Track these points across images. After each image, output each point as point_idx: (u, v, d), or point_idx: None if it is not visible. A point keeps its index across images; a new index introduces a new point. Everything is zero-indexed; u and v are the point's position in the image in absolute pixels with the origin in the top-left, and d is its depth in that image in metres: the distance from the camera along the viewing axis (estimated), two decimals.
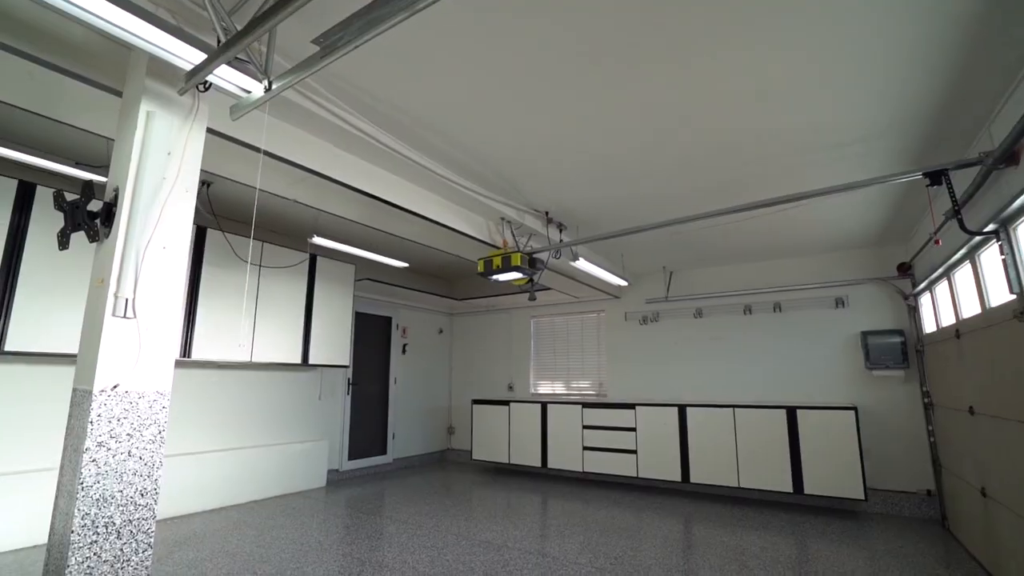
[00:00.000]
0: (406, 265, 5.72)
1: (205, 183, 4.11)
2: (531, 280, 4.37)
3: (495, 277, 4.28)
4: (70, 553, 1.58)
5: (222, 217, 4.73)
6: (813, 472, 4.68)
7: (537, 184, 3.70)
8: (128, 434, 1.72)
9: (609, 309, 6.75)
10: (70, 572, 1.57)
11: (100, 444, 1.66)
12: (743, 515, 4.74)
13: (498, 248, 4.25)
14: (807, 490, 4.68)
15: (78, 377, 1.78)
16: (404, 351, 7.13)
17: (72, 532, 1.59)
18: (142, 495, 1.74)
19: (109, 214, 1.75)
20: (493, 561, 3.51)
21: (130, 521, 1.70)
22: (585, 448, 5.89)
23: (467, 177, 3.58)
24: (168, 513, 4.28)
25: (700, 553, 3.74)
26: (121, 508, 1.69)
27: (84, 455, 1.63)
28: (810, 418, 4.78)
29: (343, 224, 4.89)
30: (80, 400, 1.72)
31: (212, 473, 4.59)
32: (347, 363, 5.58)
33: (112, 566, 1.65)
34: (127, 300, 1.75)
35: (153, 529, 1.75)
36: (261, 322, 4.80)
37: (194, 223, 4.26)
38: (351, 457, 6.17)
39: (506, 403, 6.53)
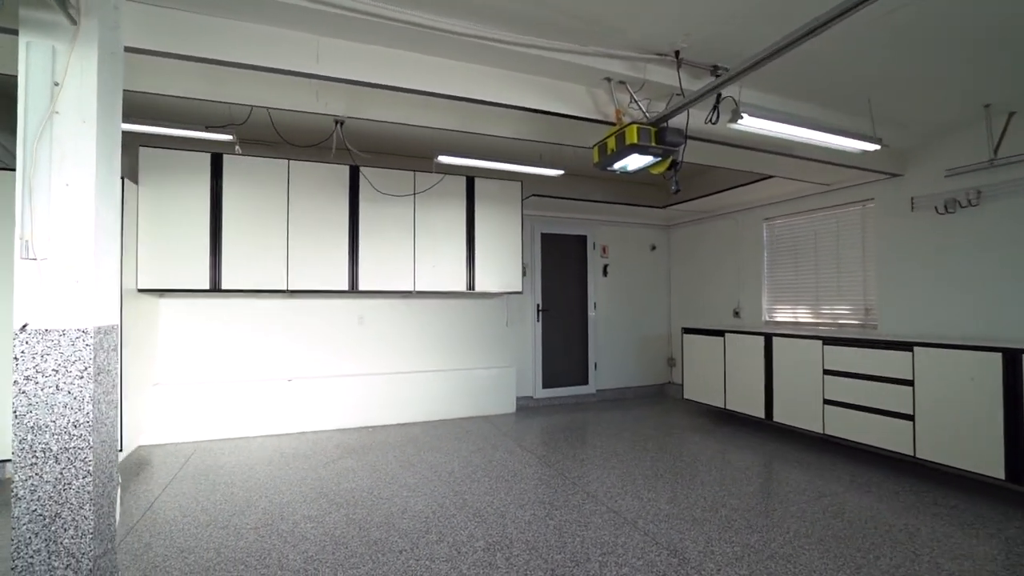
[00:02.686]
0: (560, 172, 4.86)
1: (338, 122, 4.26)
2: (673, 164, 3.00)
3: (616, 167, 3.11)
4: (16, 471, 1.77)
5: (370, 152, 4.91)
6: None
7: (656, 8, 2.35)
8: (54, 370, 1.81)
9: (881, 196, 4.30)
10: (16, 488, 1.76)
11: (27, 378, 1.78)
12: None
13: (612, 124, 3.03)
14: None
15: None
16: (605, 273, 6.35)
17: (12, 454, 1.77)
18: (75, 426, 1.82)
19: None
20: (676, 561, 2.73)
21: (66, 449, 1.82)
22: (827, 402, 4.06)
23: (544, 34, 2.55)
24: (360, 423, 4.98)
25: None
26: (56, 436, 1.80)
27: (14, 387, 1.77)
28: None
29: (458, 138, 4.40)
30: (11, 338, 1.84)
31: (403, 392, 5.10)
32: (519, 289, 5.26)
33: (54, 487, 1.80)
34: (27, 241, 1.78)
35: (90, 457, 1.83)
36: (421, 252, 4.90)
37: (348, 164, 4.60)
38: (545, 385, 5.98)
39: (720, 333, 5.09)
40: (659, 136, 2.81)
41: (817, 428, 4.14)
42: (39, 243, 1.79)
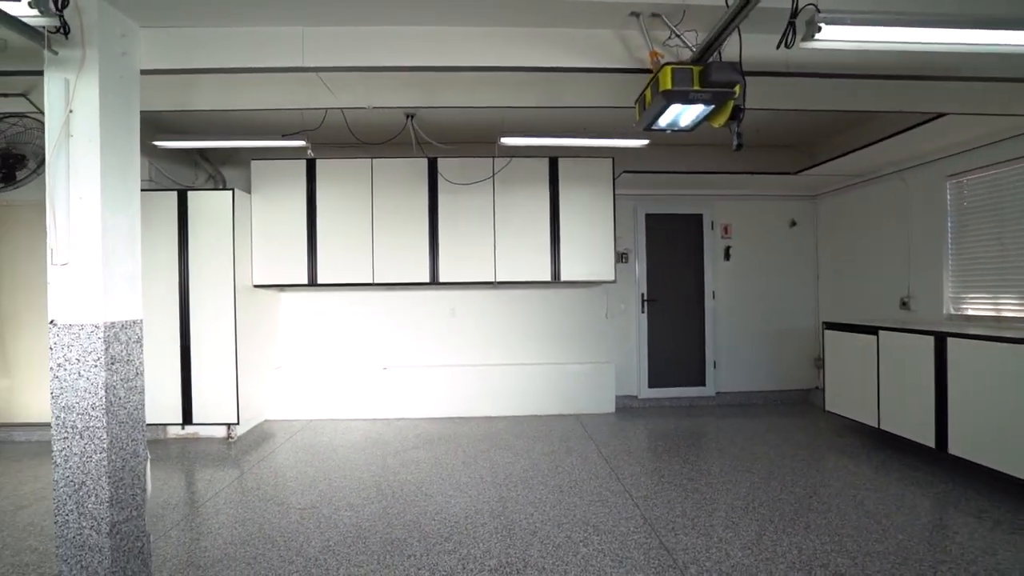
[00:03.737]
0: (645, 143, 4.16)
1: (409, 115, 4.30)
2: (735, 111, 2.30)
3: (662, 124, 2.51)
4: (53, 443, 2.09)
5: (449, 143, 4.85)
6: None
7: None
8: (77, 359, 2.08)
9: None
10: (54, 457, 2.08)
11: (59, 365, 2.08)
12: None
13: (649, 71, 2.43)
14: None
15: None
16: (727, 256, 5.39)
17: (52, 429, 2.10)
18: (93, 408, 2.08)
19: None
20: None
21: (87, 427, 2.08)
22: None
23: None
24: (448, 413, 5.02)
25: None
26: (80, 416, 2.08)
27: (50, 372, 2.09)
28: None
29: (526, 116, 4.05)
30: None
31: (493, 385, 5.01)
32: (612, 278, 4.74)
33: (80, 459, 2.08)
34: (53, 249, 2.08)
35: (104, 436, 2.08)
36: (502, 241, 4.72)
37: (424, 157, 4.63)
38: (652, 384, 5.33)
39: (872, 331, 3.89)
40: (704, 76, 2.16)
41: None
42: (61, 250, 2.08)
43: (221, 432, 4.39)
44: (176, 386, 4.21)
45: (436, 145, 4.70)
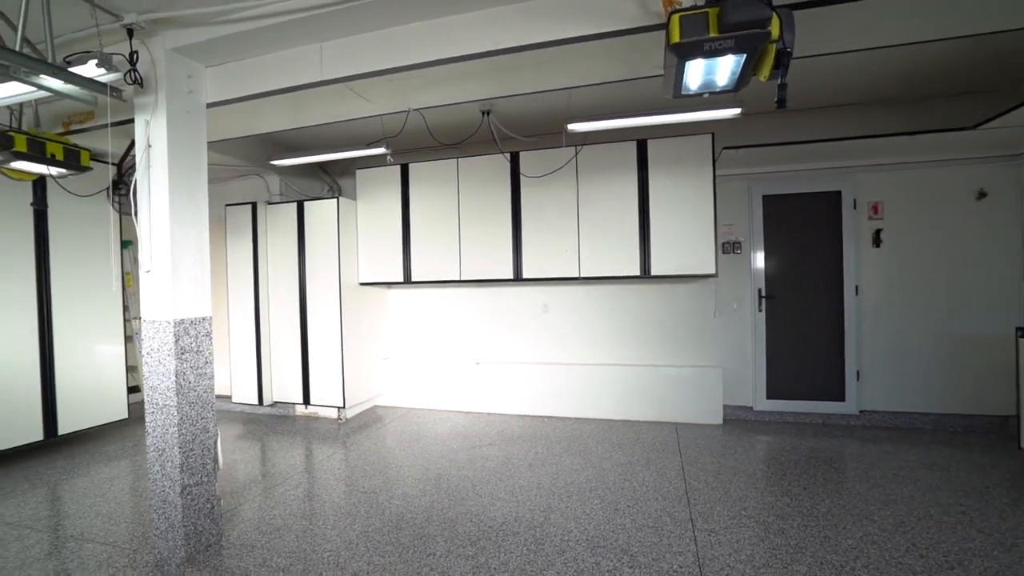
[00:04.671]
0: (736, 112, 3.44)
1: (485, 112, 4.31)
2: (779, 58, 1.81)
3: (693, 88, 2.09)
4: (146, 416, 2.57)
5: (532, 136, 4.70)
6: None
7: None
8: (157, 349, 2.52)
9: None
10: (147, 427, 2.56)
11: (148, 353, 2.55)
12: None
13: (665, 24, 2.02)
14: None
15: None
16: (877, 241, 4.29)
17: (143, 405, 2.58)
18: (167, 389, 2.49)
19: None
20: None
21: (165, 405, 2.51)
22: None
23: None
24: (536, 411, 4.92)
25: None
26: (161, 395, 2.52)
27: (142, 359, 2.57)
28: None
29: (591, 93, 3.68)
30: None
31: (583, 384, 4.79)
32: (712, 271, 4.13)
33: (161, 430, 2.51)
34: (141, 260, 2.54)
35: (174, 413, 2.48)
36: (586, 234, 4.44)
37: (503, 152, 4.59)
38: (772, 395, 4.52)
39: None
40: (723, 18, 1.72)
41: None
42: (145, 260, 2.53)
43: (334, 414, 4.96)
44: (298, 372, 4.89)
45: (519, 139, 4.62)
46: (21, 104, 2.86)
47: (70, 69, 2.15)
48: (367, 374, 5.16)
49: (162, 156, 2.49)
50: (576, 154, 4.39)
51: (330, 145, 4.60)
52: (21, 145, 2.72)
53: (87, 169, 3.03)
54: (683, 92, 2.11)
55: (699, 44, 1.77)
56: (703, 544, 2.55)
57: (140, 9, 2.30)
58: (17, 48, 2.08)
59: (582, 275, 4.44)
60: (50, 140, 2.86)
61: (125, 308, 4.69)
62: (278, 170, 5.10)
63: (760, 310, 4.54)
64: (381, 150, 4.15)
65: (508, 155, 4.58)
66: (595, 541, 2.61)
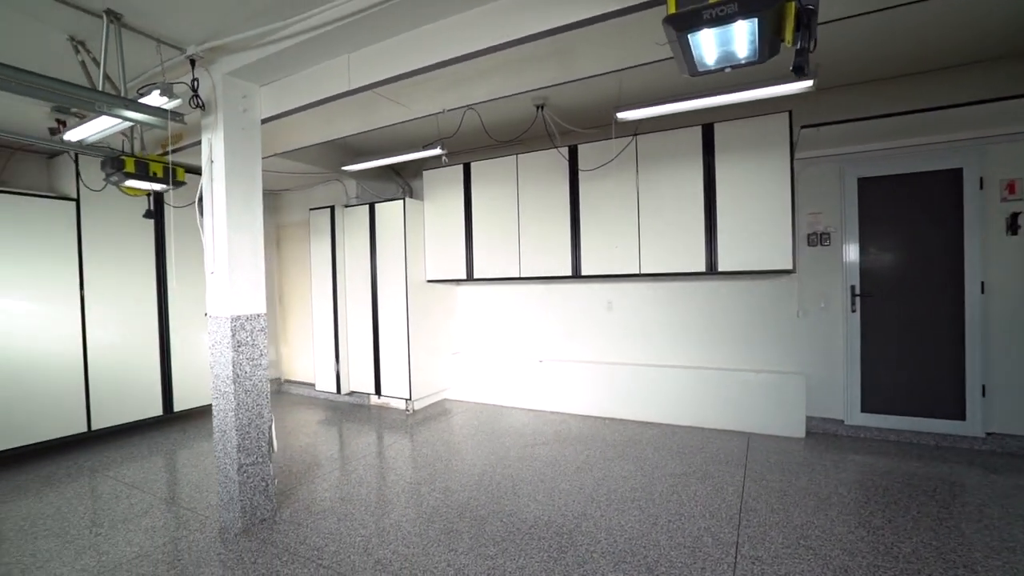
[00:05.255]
0: (807, 85, 2.95)
1: (539, 106, 4.24)
2: (800, 16, 1.55)
3: (705, 64, 1.87)
4: (212, 400, 2.91)
5: (591, 127, 4.51)
6: None
7: None
8: (218, 341, 2.83)
9: None
10: (214, 410, 2.89)
11: (213, 345, 2.87)
12: None
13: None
14: None
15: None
16: (1013, 227, 3.51)
17: (210, 391, 2.91)
18: (227, 378, 2.79)
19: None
20: None
21: (224, 392, 2.80)
22: None
23: None
24: (599, 412, 4.75)
25: None
26: (223, 382, 2.81)
27: (208, 348, 2.91)
28: None
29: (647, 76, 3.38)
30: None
31: (648, 387, 4.54)
32: (788, 266, 3.67)
33: (223, 413, 2.82)
34: (207, 262, 2.86)
35: (231, 398, 2.76)
36: (647, 227, 4.18)
37: (558, 147, 4.47)
38: (869, 409, 3.91)
39: None
40: None
41: None
42: (209, 262, 2.86)
43: (403, 404, 5.23)
44: (370, 364, 5.22)
45: (575, 131, 4.48)
46: (131, 130, 3.37)
47: (140, 100, 2.49)
48: (436, 368, 5.35)
49: (221, 169, 2.78)
50: (634, 142, 4.16)
51: (396, 148, 4.82)
52: (130, 166, 3.19)
53: (182, 184, 3.48)
54: (701, 69, 1.90)
55: (698, 14, 1.58)
56: (742, 572, 2.28)
57: (197, 40, 2.59)
58: (100, 87, 2.45)
59: (643, 271, 4.20)
60: (152, 160, 3.32)
61: None
62: (354, 175, 5.47)
63: (853, 310, 3.95)
64: (437, 151, 4.26)
65: (566, 149, 4.46)
66: (621, 555, 2.46)
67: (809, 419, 4.04)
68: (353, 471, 3.64)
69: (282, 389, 6.37)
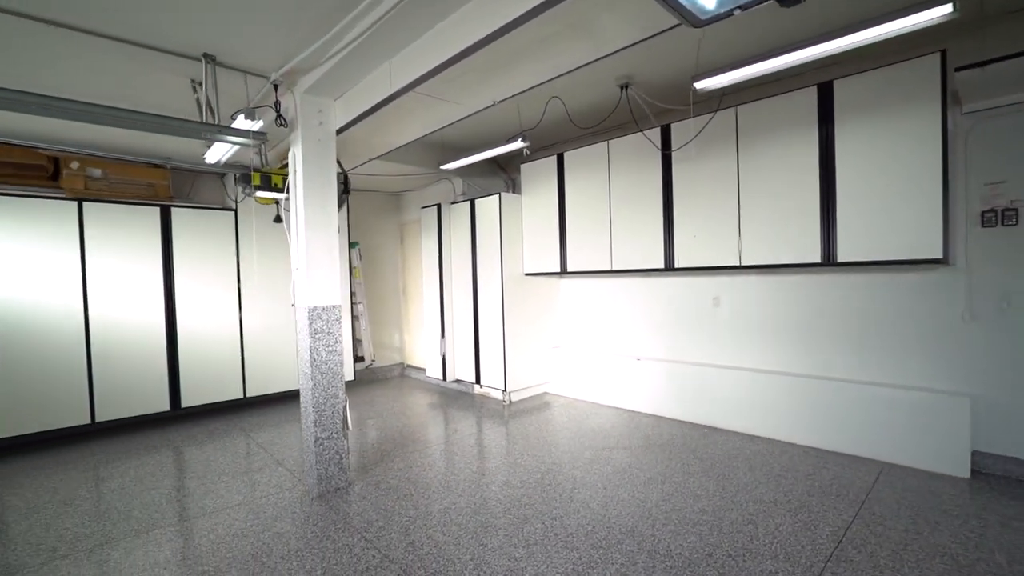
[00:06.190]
0: (946, 11, 2.11)
1: (623, 87, 3.93)
2: None
3: (707, 10, 1.56)
4: (299, 380, 3.34)
5: (684, 105, 3.99)
6: None
7: None
8: (302, 329, 3.23)
9: None
10: (301, 389, 3.33)
11: (298, 332, 3.30)
12: None
13: None
14: None
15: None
16: None
17: (298, 374, 3.35)
18: (307, 363, 3.17)
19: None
20: None
21: (306, 374, 3.19)
22: None
23: None
24: (699, 419, 4.27)
25: None
26: (304, 365, 3.23)
27: (297, 335, 3.34)
28: None
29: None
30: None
31: (761, 395, 3.92)
32: (937, 255, 2.82)
33: (306, 392, 3.23)
34: (292, 258, 3.27)
35: (309, 379, 3.14)
36: (748, 213, 3.60)
37: (645, 129, 4.09)
38: None
39: None
40: None
41: None
42: (294, 259, 3.28)
43: (500, 395, 5.36)
44: (471, 354, 5.45)
45: (663, 106, 4.05)
46: (261, 148, 4.03)
47: (232, 125, 2.95)
48: (535, 361, 5.37)
49: (299, 175, 3.16)
50: (734, 113, 3.60)
51: (491, 143, 4.92)
52: (256, 179, 3.82)
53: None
54: (704, 16, 1.58)
55: None
56: None
57: (275, 66, 2.97)
58: (203, 119, 2.97)
59: (743, 263, 3.64)
60: (273, 173, 3.93)
61: (352, 294, 6.06)
62: (459, 172, 5.72)
63: None
64: (519, 144, 4.23)
65: (656, 131, 4.06)
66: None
67: (977, 454, 3.08)
68: (431, 455, 3.86)
69: (404, 373, 7.03)
